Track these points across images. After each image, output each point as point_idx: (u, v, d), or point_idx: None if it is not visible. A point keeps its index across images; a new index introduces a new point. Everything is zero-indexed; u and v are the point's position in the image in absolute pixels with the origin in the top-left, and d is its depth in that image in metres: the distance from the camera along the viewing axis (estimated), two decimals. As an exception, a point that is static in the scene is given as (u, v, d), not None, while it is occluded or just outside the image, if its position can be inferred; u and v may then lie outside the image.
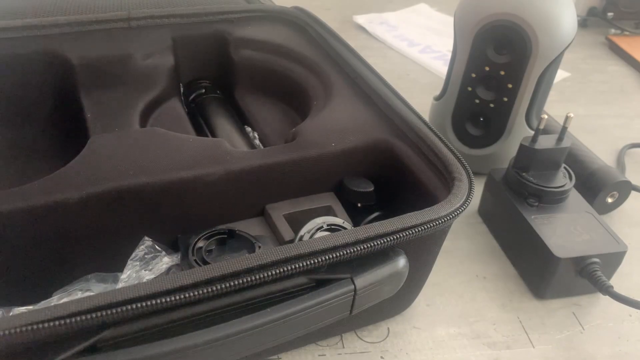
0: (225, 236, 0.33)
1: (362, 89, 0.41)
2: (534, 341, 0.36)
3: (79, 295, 0.31)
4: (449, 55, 0.64)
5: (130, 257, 0.31)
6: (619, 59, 0.78)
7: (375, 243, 0.27)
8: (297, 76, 0.46)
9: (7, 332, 0.21)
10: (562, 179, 0.42)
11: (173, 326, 0.24)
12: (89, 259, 0.32)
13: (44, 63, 0.41)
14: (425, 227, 0.29)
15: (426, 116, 0.45)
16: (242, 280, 0.25)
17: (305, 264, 0.26)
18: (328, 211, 0.36)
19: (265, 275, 0.25)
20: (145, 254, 0.32)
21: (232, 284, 0.24)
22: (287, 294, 0.26)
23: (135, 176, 0.32)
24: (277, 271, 0.25)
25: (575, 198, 0.42)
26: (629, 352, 0.36)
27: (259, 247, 0.33)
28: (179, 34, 0.46)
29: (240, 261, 0.25)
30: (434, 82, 0.68)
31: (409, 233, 0.28)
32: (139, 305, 0.23)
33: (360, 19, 0.82)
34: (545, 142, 0.41)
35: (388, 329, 0.36)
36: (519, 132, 0.47)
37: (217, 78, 0.49)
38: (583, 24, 0.86)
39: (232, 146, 0.36)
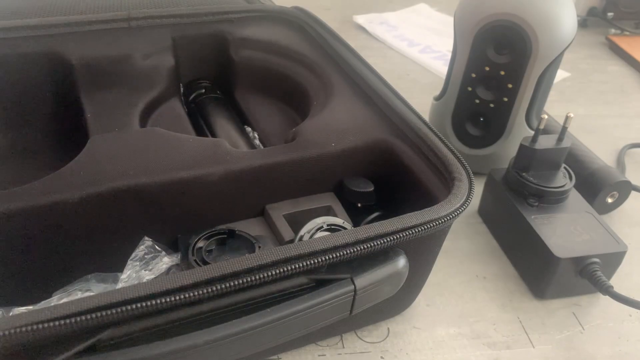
0: (225, 236, 0.33)
1: (362, 89, 0.41)
2: (534, 341, 0.36)
3: (79, 295, 0.31)
4: (449, 55, 0.64)
5: (130, 257, 0.31)
6: (619, 59, 0.78)
7: (375, 243, 0.27)
8: (297, 76, 0.46)
9: (7, 332, 0.21)
10: (562, 179, 0.42)
11: (173, 326, 0.24)
12: (89, 259, 0.32)
13: (44, 63, 0.41)
14: (425, 227, 0.29)
15: (426, 116, 0.45)
16: (242, 281, 0.25)
17: (305, 264, 0.26)
18: (328, 211, 0.36)
19: (265, 275, 0.25)
20: (145, 254, 0.32)
21: (232, 284, 0.24)
22: (287, 294, 0.26)
23: (135, 176, 0.32)
24: (277, 271, 0.25)
25: (575, 198, 0.42)
26: (629, 352, 0.36)
27: (259, 247, 0.33)
28: (179, 34, 0.46)
29: (240, 261, 0.25)
30: (434, 82, 0.68)
31: (409, 233, 0.28)
32: (139, 305, 0.23)
33: (360, 19, 0.82)
34: (545, 142, 0.41)
35: (388, 329, 0.36)
36: (519, 132, 0.47)
37: (217, 78, 0.49)
38: (583, 24, 0.86)
39: (232, 146, 0.36)
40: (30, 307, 0.29)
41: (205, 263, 0.31)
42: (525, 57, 0.43)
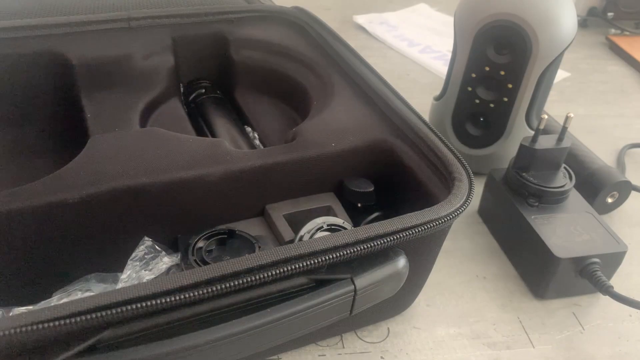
0: (225, 236, 0.33)
1: (362, 89, 0.41)
2: (534, 341, 0.36)
3: (79, 295, 0.31)
4: (449, 55, 0.64)
5: (130, 257, 0.31)
6: (619, 59, 0.78)
7: (375, 243, 0.27)
8: (297, 76, 0.46)
9: (7, 332, 0.21)
10: (562, 179, 0.42)
11: (173, 326, 0.24)
12: (89, 259, 0.32)
13: (44, 63, 0.41)
14: (425, 227, 0.29)
15: (426, 116, 0.45)
16: (242, 281, 0.25)
17: (305, 264, 0.26)
18: (328, 211, 0.36)
19: (265, 275, 0.25)
20: (145, 254, 0.32)
21: (232, 284, 0.24)
22: (287, 294, 0.26)
23: (135, 176, 0.32)
24: (277, 271, 0.25)
25: (575, 198, 0.42)
26: (629, 352, 0.36)
27: (259, 247, 0.33)
28: (179, 34, 0.46)
29: (240, 261, 0.25)
30: (434, 82, 0.68)
31: (409, 233, 0.28)
32: (139, 305, 0.23)
33: (360, 19, 0.82)
34: (545, 142, 0.41)
35: (388, 329, 0.36)
36: (519, 132, 0.47)
37: (217, 78, 0.49)
38: (583, 24, 0.86)
39: (232, 146, 0.36)
40: (30, 307, 0.29)
41: (205, 263, 0.31)
42: (525, 57, 0.43)
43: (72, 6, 0.45)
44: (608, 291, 0.36)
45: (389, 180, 0.37)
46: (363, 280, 0.27)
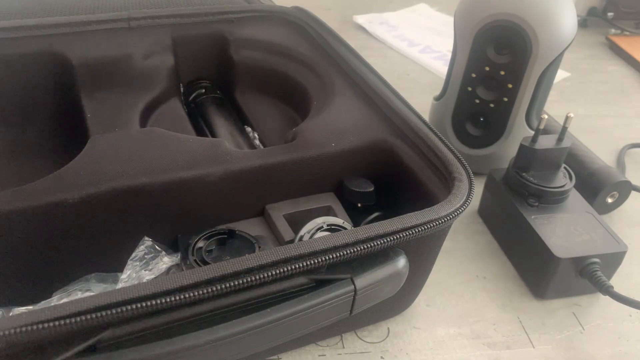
0: (225, 236, 0.33)
1: (362, 89, 0.41)
2: (534, 341, 0.36)
3: (79, 295, 0.31)
4: (449, 55, 0.64)
5: (130, 257, 0.31)
6: (619, 59, 0.78)
7: (375, 243, 0.27)
8: (297, 76, 0.46)
9: (7, 332, 0.21)
10: (562, 179, 0.42)
11: (173, 326, 0.24)
12: (89, 259, 0.32)
13: (44, 63, 0.41)
14: (425, 227, 0.29)
15: (426, 116, 0.45)
16: (242, 281, 0.25)
17: (305, 264, 0.26)
18: (328, 211, 0.36)
19: (266, 275, 0.25)
20: (145, 254, 0.32)
21: (232, 284, 0.24)
22: (287, 294, 0.26)
23: (135, 176, 0.32)
24: (277, 271, 0.25)
25: (575, 198, 0.42)
26: (629, 352, 0.36)
27: (259, 247, 0.33)
28: (179, 34, 0.46)
29: (240, 261, 0.25)
30: (434, 82, 0.68)
31: (409, 233, 0.28)
32: (139, 305, 0.23)
33: (360, 19, 0.82)
34: (545, 142, 0.41)
35: (388, 329, 0.36)
36: (519, 132, 0.47)
37: (217, 78, 0.49)
38: (583, 24, 0.86)
39: (232, 146, 0.36)
40: (30, 307, 0.29)
41: (205, 263, 0.31)
42: (525, 57, 0.43)
43: (72, 6, 0.45)
44: (608, 291, 0.36)
45: (389, 180, 0.37)
46: (363, 280, 0.27)
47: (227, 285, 0.24)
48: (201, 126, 0.44)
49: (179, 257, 0.32)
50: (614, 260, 0.38)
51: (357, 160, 0.37)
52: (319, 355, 0.34)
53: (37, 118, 0.43)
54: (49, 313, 0.22)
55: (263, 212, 0.36)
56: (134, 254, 0.32)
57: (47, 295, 0.31)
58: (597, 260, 0.37)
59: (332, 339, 0.35)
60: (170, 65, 0.44)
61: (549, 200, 0.41)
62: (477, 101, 0.47)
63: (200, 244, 0.32)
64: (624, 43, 0.79)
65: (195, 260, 0.31)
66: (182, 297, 0.23)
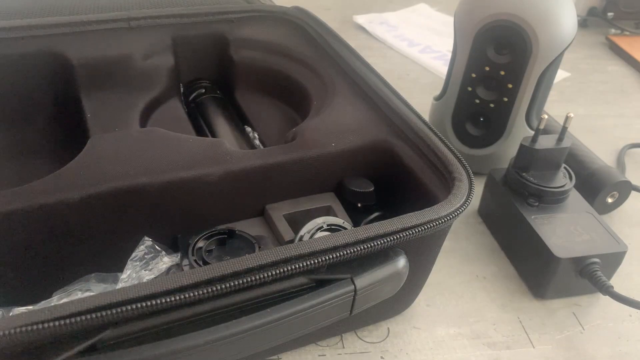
0: (225, 236, 0.33)
1: (362, 89, 0.41)
2: (534, 341, 0.36)
3: (79, 295, 0.31)
4: (449, 55, 0.64)
5: (130, 257, 0.31)
6: (619, 59, 0.78)
7: (375, 243, 0.27)
8: (297, 76, 0.46)
9: (7, 332, 0.21)
10: (562, 179, 0.42)
11: (173, 326, 0.24)
12: (89, 259, 0.32)
13: (44, 63, 0.41)
14: (425, 227, 0.29)
15: (426, 116, 0.45)
16: (242, 281, 0.25)
17: (305, 264, 0.26)
18: (328, 211, 0.36)
19: (266, 275, 0.25)
20: (145, 254, 0.32)
21: (232, 284, 0.24)
22: (287, 294, 0.26)
23: (135, 176, 0.32)
24: (277, 271, 0.25)
25: (575, 198, 0.42)
26: (629, 352, 0.36)
27: (259, 247, 0.33)
28: (179, 34, 0.46)
29: (240, 261, 0.25)
30: (434, 82, 0.68)
31: (409, 233, 0.28)
32: (139, 305, 0.23)
33: (360, 19, 0.82)
34: (545, 142, 0.41)
35: (388, 329, 0.36)
36: (519, 132, 0.47)
37: (217, 78, 0.49)
38: (583, 24, 0.86)
39: (232, 146, 0.36)
40: (30, 307, 0.29)
41: (205, 263, 0.31)
42: (525, 57, 0.43)
43: (72, 6, 0.45)
44: (608, 291, 0.36)
45: (389, 180, 0.37)
46: (363, 280, 0.27)
47: (227, 285, 0.24)
48: (201, 126, 0.44)
49: (179, 257, 0.32)
50: (614, 260, 0.38)
51: (357, 160, 0.37)
52: (319, 355, 0.34)
53: (37, 118, 0.43)
54: (49, 313, 0.22)
55: (263, 212, 0.36)
56: (134, 254, 0.32)
57: (47, 295, 0.31)
58: (597, 260, 0.37)
59: (332, 339, 0.35)
60: (170, 65, 0.44)
61: (549, 200, 0.41)
62: (477, 101, 0.47)
63: (200, 244, 0.32)
64: (624, 43, 0.79)
65: (195, 260, 0.31)
66: (182, 297, 0.23)
